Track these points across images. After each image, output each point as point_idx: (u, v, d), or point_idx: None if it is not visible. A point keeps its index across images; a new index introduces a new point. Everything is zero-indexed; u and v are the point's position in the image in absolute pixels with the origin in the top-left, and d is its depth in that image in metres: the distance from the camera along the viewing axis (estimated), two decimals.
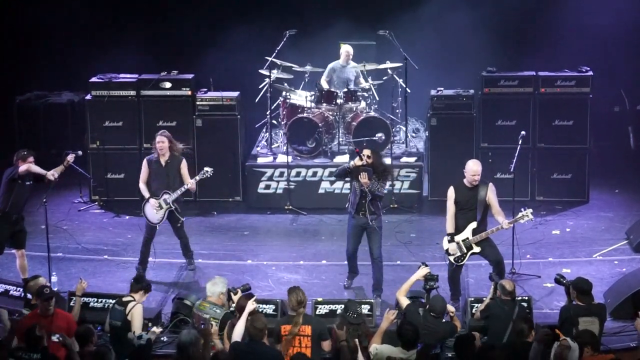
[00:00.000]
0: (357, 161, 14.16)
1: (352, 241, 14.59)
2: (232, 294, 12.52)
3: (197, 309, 12.45)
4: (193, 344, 11.04)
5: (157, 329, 12.13)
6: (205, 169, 15.05)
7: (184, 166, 15.12)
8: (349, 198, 14.55)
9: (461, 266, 13.99)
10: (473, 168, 13.76)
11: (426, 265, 12.74)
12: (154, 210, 15.02)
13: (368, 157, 14.18)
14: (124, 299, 12.52)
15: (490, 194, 13.79)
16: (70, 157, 14.90)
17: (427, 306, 12.23)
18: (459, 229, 13.82)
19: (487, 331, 12.34)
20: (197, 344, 11.19)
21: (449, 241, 13.84)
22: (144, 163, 15.23)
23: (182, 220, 15.21)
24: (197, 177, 15.00)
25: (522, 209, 13.84)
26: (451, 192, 13.87)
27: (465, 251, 13.80)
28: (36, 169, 14.65)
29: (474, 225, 13.77)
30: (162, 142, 15.10)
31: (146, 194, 15.08)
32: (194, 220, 17.33)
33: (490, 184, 13.94)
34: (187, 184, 14.98)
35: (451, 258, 13.87)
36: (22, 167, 14.57)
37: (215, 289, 12.50)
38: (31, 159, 14.71)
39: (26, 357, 11.23)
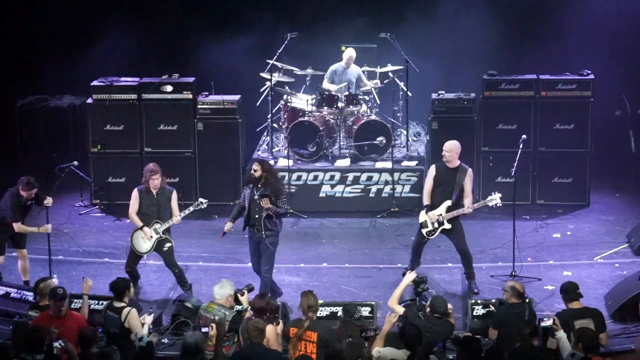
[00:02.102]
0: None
1: (252, 258, 14.44)
2: (238, 295, 12.53)
3: (205, 311, 12.41)
4: (199, 345, 11.01)
5: (149, 331, 12.16)
6: (200, 199, 14.69)
7: (174, 198, 14.71)
8: (244, 215, 14.43)
9: (426, 240, 14.68)
10: (445, 145, 14.60)
11: (410, 271, 12.85)
12: (142, 240, 14.70)
13: (255, 170, 14.15)
14: (116, 305, 12.43)
15: (467, 179, 14.45)
16: (48, 202, 14.80)
17: (429, 308, 12.22)
18: (434, 205, 14.55)
19: (498, 336, 12.29)
20: (203, 345, 11.18)
21: (426, 212, 14.56)
22: (135, 194, 14.75)
23: (170, 245, 14.75)
24: (191, 208, 14.59)
25: (492, 193, 14.52)
26: (432, 170, 14.69)
27: (437, 226, 14.49)
28: (25, 228, 14.70)
29: (448, 203, 14.46)
30: (156, 179, 14.57)
31: (139, 223, 14.69)
32: (195, 224, 17.35)
33: (470, 170, 14.59)
34: (174, 217, 14.62)
35: (424, 231, 14.56)
36: (15, 225, 14.60)
37: (224, 291, 12.48)
38: (35, 190, 14.64)
39: (29, 358, 11.21)
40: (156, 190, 14.68)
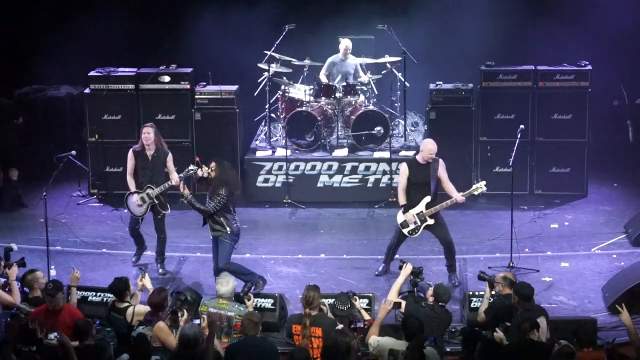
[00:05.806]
0: (199, 172, 14.00)
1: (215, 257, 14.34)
2: (245, 300, 12.46)
3: (216, 307, 12.29)
4: (197, 338, 11.02)
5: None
6: (190, 167, 14.58)
7: (169, 160, 14.90)
8: None
9: (405, 237, 14.59)
10: (432, 148, 14.37)
11: (405, 264, 12.81)
12: (136, 205, 14.91)
13: (212, 170, 14.01)
14: (119, 306, 12.36)
15: (441, 169, 14.38)
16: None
17: (432, 297, 12.24)
18: (413, 204, 14.43)
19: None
20: (201, 337, 11.18)
21: (404, 212, 14.42)
22: (130, 154, 15.05)
23: (165, 213, 15.03)
24: (182, 175, 14.49)
25: (475, 181, 14.68)
26: (404, 169, 14.53)
27: (420, 224, 14.39)
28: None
29: (428, 199, 14.35)
30: (147, 133, 14.90)
31: (132, 188, 14.96)
32: (193, 214, 17.20)
33: (441, 160, 14.47)
34: (172, 179, 14.74)
35: (405, 230, 14.47)
36: None
37: (230, 287, 12.44)
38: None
39: (26, 349, 11.25)
40: (152, 153, 14.70)
